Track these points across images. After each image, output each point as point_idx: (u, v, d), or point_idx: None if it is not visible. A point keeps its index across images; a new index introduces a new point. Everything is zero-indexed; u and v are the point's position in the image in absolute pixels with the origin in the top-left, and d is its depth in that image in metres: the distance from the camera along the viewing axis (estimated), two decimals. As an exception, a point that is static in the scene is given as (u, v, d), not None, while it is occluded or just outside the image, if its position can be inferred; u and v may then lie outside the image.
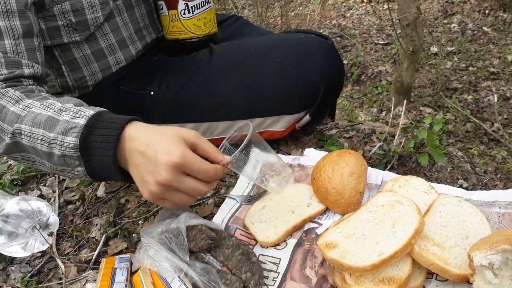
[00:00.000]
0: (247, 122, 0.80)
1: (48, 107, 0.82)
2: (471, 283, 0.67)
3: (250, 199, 0.96)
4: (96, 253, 0.96)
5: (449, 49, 2.99)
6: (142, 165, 0.72)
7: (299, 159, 1.03)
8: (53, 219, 1.06)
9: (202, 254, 0.85)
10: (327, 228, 0.80)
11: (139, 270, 0.85)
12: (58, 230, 1.07)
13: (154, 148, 0.72)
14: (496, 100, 2.20)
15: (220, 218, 0.93)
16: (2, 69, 0.83)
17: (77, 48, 1.03)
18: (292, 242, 0.84)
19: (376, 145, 1.02)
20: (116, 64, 1.10)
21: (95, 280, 0.90)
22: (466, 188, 0.89)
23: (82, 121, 0.76)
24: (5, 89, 0.82)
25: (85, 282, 0.91)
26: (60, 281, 0.93)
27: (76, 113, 0.78)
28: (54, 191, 1.22)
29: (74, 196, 1.19)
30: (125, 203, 1.12)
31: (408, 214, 0.74)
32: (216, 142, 1.10)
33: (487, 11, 3.39)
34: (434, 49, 3.02)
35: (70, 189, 1.23)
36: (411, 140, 0.96)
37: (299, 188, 0.94)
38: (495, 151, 1.12)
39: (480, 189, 0.90)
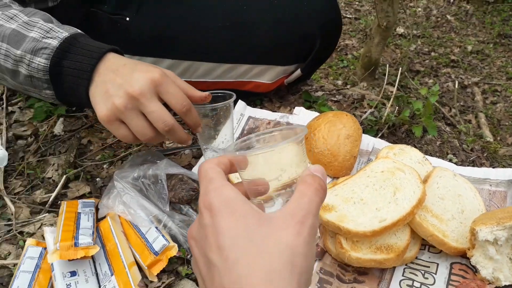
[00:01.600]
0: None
1: (11, 18, 0.70)
2: (468, 258, 0.66)
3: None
4: (54, 194, 0.85)
5: (414, 32, 3.03)
6: (111, 80, 0.64)
7: (287, 117, 0.97)
8: (1, 153, 0.93)
9: (181, 206, 0.77)
10: (322, 190, 0.75)
11: (107, 217, 0.76)
12: (6, 167, 0.94)
13: (131, 67, 0.65)
14: (456, 87, 2.27)
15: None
16: None
17: None
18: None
19: (367, 111, 0.98)
20: None
21: (53, 224, 0.80)
22: (456, 164, 0.88)
23: (54, 43, 0.67)
24: None
25: (40, 226, 0.80)
26: (9, 222, 0.81)
27: (47, 32, 0.68)
28: (1, 123, 1.07)
29: (25, 131, 1.05)
30: (87, 144, 1.00)
31: (410, 182, 0.71)
32: (196, 86, 1.01)
33: (451, 0, 3.47)
34: (400, 29, 3.05)
35: (20, 123, 1.08)
36: (406, 110, 0.93)
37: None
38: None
39: (468, 165, 0.90)
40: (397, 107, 0.97)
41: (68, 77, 0.67)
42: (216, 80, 1.00)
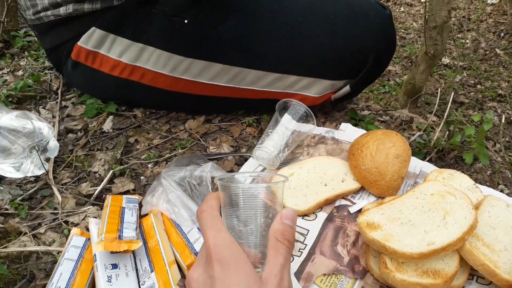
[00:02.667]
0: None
1: None
2: (521, 292, 0.63)
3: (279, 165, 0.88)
4: (100, 188, 0.87)
5: (461, 63, 2.97)
6: None
7: (333, 132, 0.96)
8: (53, 144, 0.96)
9: (223, 210, 0.77)
10: (367, 208, 0.74)
11: (150, 214, 0.77)
12: (55, 158, 0.97)
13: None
14: (502, 121, 2.19)
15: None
16: None
17: None
18: (322, 215, 0.78)
19: (415, 133, 0.96)
20: None
21: (96, 217, 0.81)
22: (508, 195, 0.84)
23: None
24: None
25: (84, 217, 0.82)
26: (55, 211, 0.84)
27: None
28: (54, 116, 1.11)
29: (76, 125, 1.08)
30: (134, 143, 1.03)
31: (462, 207, 0.68)
32: (243, 93, 1.02)
33: (502, 34, 3.39)
34: (446, 60, 3.00)
35: (72, 117, 1.12)
36: (457, 134, 0.90)
37: (332, 161, 0.87)
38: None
39: (521, 198, 0.86)
40: (447, 132, 0.95)
41: None
42: (263, 89, 1.00)
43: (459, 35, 3.44)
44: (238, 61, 0.97)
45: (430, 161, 0.91)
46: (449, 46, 3.18)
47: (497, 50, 3.19)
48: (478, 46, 3.26)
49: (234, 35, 0.96)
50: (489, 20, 3.58)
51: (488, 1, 3.73)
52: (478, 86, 2.73)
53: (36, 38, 1.59)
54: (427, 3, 2.15)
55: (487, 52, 3.18)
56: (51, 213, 0.84)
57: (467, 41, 3.34)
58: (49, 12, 1.01)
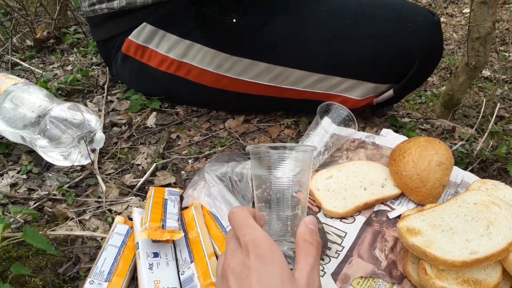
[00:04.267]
0: None
1: None
2: None
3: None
4: (143, 180, 0.90)
5: (503, 76, 2.89)
6: None
7: (373, 137, 0.96)
8: (100, 135, 1.00)
9: (262, 208, 0.79)
10: (407, 214, 0.73)
11: (191, 206, 0.79)
12: (101, 149, 1.01)
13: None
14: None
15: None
16: None
17: None
18: (360, 219, 0.78)
19: (457, 143, 0.94)
20: None
21: (139, 207, 0.84)
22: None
23: None
24: None
25: (127, 207, 0.85)
26: (100, 199, 0.87)
27: None
28: (100, 110, 1.16)
29: (121, 119, 1.12)
30: (175, 139, 1.06)
31: (506, 218, 0.67)
32: (285, 93, 1.03)
33: (547, 49, 3.28)
34: (487, 72, 2.92)
35: (117, 111, 1.16)
36: (502, 145, 0.89)
37: (373, 166, 0.87)
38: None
39: None
40: (490, 143, 0.93)
41: None
42: (305, 89, 1.01)
43: (501, 48, 3.35)
44: (283, 61, 0.98)
45: (472, 171, 0.90)
46: (490, 58, 3.10)
47: (541, 65, 3.08)
48: (522, 60, 3.17)
49: (281, 35, 0.97)
50: (534, 33, 3.47)
51: (534, 14, 3.61)
52: (520, 101, 2.65)
53: (84, 35, 1.66)
54: (471, 13, 2.11)
55: (530, 66, 3.08)
56: (96, 201, 0.87)
57: (510, 54, 3.25)
58: (103, 5, 1.05)
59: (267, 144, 0.65)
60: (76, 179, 0.92)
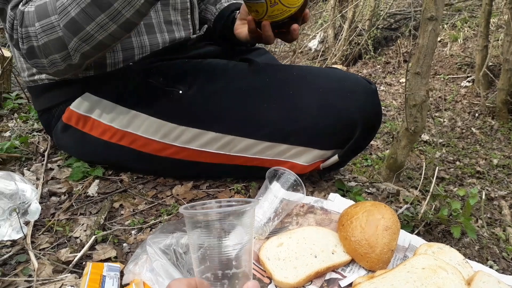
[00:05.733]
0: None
1: None
2: None
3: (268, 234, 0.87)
4: (80, 254, 0.83)
5: (440, 140, 3.08)
6: None
7: (322, 202, 0.96)
8: (35, 207, 0.94)
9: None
10: (358, 282, 0.72)
11: (132, 283, 0.73)
12: (35, 221, 0.93)
13: None
14: (483, 198, 2.23)
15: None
16: None
17: None
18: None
19: (402, 206, 0.96)
20: (140, 47, 1.02)
21: (73, 286, 0.77)
22: (497, 271, 0.83)
23: None
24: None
25: (61, 285, 0.77)
26: (30, 278, 0.79)
27: None
28: (38, 179, 1.09)
29: (60, 188, 1.06)
30: (118, 208, 1.00)
31: (454, 283, 0.67)
32: (233, 160, 1.02)
33: (476, 114, 3.56)
34: (426, 136, 3.10)
35: (57, 180, 1.10)
36: (444, 208, 0.91)
37: (322, 232, 0.86)
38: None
39: (511, 275, 0.85)
40: (433, 206, 0.96)
41: None
42: (254, 156, 1.01)
43: (436, 114, 3.60)
44: (231, 130, 0.99)
45: (418, 234, 0.91)
46: (427, 123, 3.31)
47: (473, 129, 3.33)
48: (455, 125, 3.41)
49: (227, 106, 0.98)
50: (463, 101, 3.78)
51: (462, 84, 3.96)
52: (457, 163, 2.81)
53: (27, 101, 1.60)
54: (407, 83, 2.27)
55: (464, 131, 3.32)
56: (25, 280, 0.79)
57: (445, 119, 3.50)
58: (43, 75, 1.03)
59: (202, 202, 0.60)
60: (5, 256, 0.84)
